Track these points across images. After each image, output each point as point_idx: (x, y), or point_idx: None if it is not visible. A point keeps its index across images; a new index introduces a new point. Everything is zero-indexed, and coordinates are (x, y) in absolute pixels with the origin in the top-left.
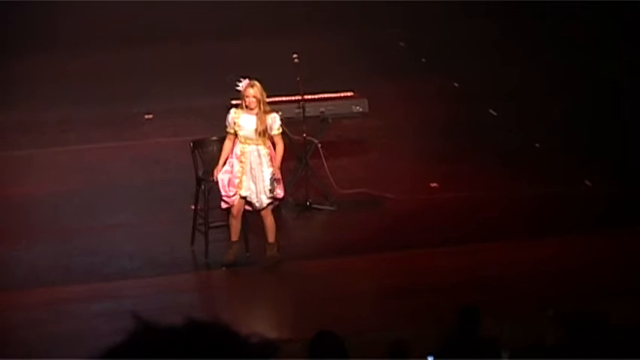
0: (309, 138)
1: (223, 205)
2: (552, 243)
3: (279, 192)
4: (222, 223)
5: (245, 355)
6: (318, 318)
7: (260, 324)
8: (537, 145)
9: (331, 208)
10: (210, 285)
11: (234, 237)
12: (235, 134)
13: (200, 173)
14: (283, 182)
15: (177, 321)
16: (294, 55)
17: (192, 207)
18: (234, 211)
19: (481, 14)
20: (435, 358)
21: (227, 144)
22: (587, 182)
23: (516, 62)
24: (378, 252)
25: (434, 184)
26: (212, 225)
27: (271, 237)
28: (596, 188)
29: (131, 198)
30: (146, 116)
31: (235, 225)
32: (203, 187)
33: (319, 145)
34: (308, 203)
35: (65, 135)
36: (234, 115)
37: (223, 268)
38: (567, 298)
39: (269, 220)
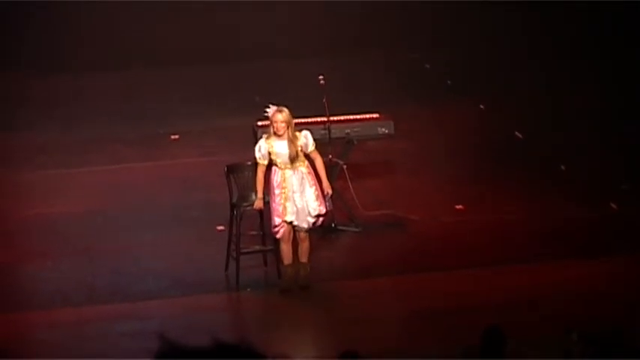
0: (335, 159)
1: (276, 235)
2: (578, 266)
3: (322, 209)
4: (253, 249)
5: None
6: (343, 339)
7: (285, 345)
8: (563, 167)
9: (356, 230)
10: (235, 306)
11: (287, 261)
12: (272, 163)
13: (234, 199)
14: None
15: (203, 342)
16: (320, 77)
17: (219, 228)
18: (284, 236)
19: (507, 36)
20: None
21: (260, 175)
22: (613, 205)
23: (542, 85)
24: (402, 274)
25: (459, 207)
26: (244, 251)
27: (304, 257)
28: (622, 211)
29: (157, 218)
30: (172, 137)
31: (286, 250)
32: (235, 212)
33: (344, 167)
34: (333, 225)
35: (91, 155)
36: (266, 145)
37: (248, 290)
38: (592, 321)
39: (305, 244)
